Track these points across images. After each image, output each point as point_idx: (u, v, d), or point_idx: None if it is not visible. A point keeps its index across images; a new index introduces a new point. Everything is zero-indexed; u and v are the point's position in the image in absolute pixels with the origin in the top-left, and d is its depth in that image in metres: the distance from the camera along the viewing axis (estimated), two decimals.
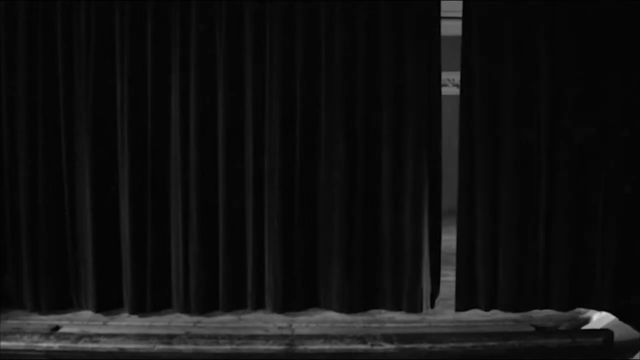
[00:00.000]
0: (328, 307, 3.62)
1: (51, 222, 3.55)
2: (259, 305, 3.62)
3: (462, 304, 3.57)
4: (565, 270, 3.49)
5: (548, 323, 3.46)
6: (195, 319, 3.51)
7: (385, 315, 3.62)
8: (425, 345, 3.05)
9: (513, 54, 3.49)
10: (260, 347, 3.05)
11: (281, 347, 3.04)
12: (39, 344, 3.03)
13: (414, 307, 3.56)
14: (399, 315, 3.60)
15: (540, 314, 3.58)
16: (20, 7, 3.48)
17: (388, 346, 3.03)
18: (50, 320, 3.45)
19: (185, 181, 3.54)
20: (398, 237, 3.58)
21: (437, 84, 3.61)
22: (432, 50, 3.57)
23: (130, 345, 3.04)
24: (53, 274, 3.56)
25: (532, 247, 3.53)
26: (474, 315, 3.61)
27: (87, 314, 3.57)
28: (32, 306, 3.53)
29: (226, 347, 3.05)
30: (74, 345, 3.04)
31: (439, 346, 3.05)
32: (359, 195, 3.59)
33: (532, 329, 3.37)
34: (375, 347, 3.03)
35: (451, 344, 3.06)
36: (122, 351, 3.02)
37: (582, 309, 3.67)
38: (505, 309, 3.54)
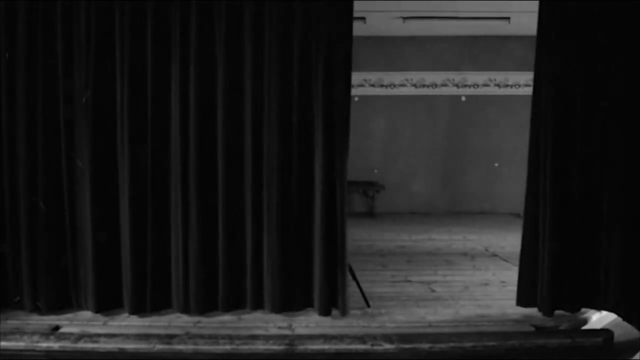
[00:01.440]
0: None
1: (51, 221, 3.55)
2: (257, 306, 3.62)
3: (523, 302, 3.59)
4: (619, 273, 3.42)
5: (548, 323, 3.46)
6: (195, 319, 3.51)
7: (385, 315, 3.62)
8: (425, 345, 3.05)
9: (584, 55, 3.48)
10: (260, 347, 3.05)
11: (281, 347, 3.04)
12: (39, 344, 3.03)
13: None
14: (399, 315, 3.60)
15: (540, 314, 3.59)
16: (20, 7, 3.48)
17: (388, 346, 3.03)
18: (50, 320, 3.44)
19: (184, 181, 3.54)
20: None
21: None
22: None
23: (130, 345, 3.04)
24: (53, 274, 3.56)
25: (592, 251, 3.49)
26: (474, 315, 3.61)
27: (87, 314, 3.57)
28: (32, 306, 3.53)
29: (226, 347, 3.05)
30: (74, 345, 3.04)
31: (439, 346, 3.05)
32: None
33: (532, 329, 3.37)
34: (375, 347, 3.03)
35: (451, 344, 3.06)
36: (122, 351, 3.02)
37: (581, 309, 3.67)
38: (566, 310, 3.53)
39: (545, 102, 3.62)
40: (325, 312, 3.56)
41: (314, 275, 3.58)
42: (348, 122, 3.62)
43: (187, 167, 3.54)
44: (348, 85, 3.69)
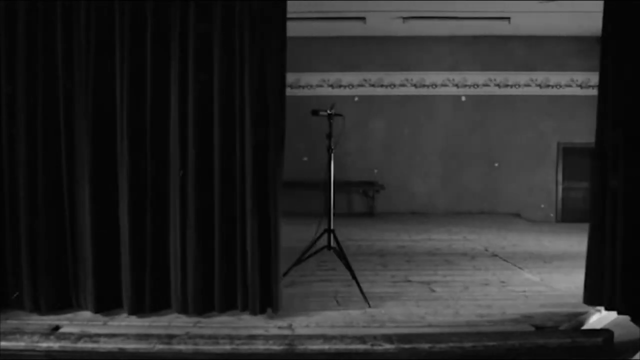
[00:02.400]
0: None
1: (51, 221, 3.54)
2: (247, 307, 3.62)
3: (590, 301, 3.54)
4: None
5: (548, 323, 3.46)
6: (195, 319, 3.51)
7: (385, 315, 3.62)
8: (425, 345, 3.05)
9: None
10: (260, 347, 3.05)
11: (281, 347, 3.03)
12: (39, 344, 3.03)
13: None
14: (399, 316, 3.60)
15: (540, 314, 3.59)
16: (20, 7, 3.48)
17: (388, 346, 3.03)
18: (50, 320, 3.44)
19: (183, 182, 3.54)
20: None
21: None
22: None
23: (130, 345, 3.04)
24: (52, 274, 3.56)
25: None
26: (474, 315, 3.61)
27: (87, 314, 3.57)
28: (32, 306, 3.53)
29: (226, 347, 3.04)
30: (74, 345, 3.04)
31: (439, 346, 3.05)
32: None
33: (532, 329, 3.36)
34: (375, 347, 3.03)
35: (451, 344, 3.06)
36: (122, 351, 3.02)
37: (581, 309, 3.68)
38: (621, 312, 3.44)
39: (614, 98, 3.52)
40: (260, 311, 3.56)
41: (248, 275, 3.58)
42: (283, 120, 3.61)
43: (185, 167, 3.54)
44: (282, 80, 3.64)
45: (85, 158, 3.52)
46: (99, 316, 3.52)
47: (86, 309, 3.59)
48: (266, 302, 3.58)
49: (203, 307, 3.57)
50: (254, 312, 3.55)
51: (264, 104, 3.55)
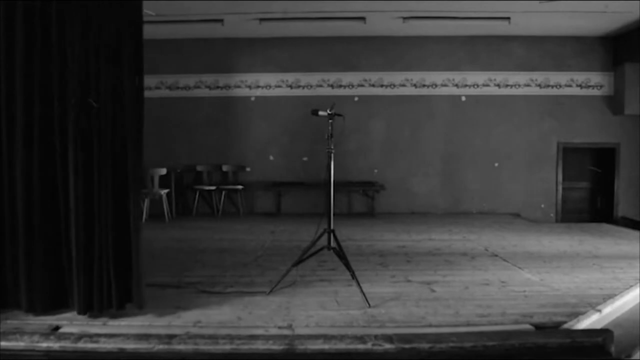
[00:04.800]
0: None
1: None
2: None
3: None
4: None
5: (548, 323, 3.45)
6: (195, 319, 3.51)
7: (385, 315, 3.62)
8: (425, 345, 3.04)
9: None
10: (260, 347, 3.05)
11: (281, 347, 3.03)
12: (39, 344, 3.03)
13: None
14: (399, 316, 3.60)
15: (540, 314, 3.59)
16: None
17: (388, 346, 3.03)
18: (51, 320, 3.44)
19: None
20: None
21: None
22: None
23: (130, 345, 3.04)
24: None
25: None
26: (474, 315, 3.61)
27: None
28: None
29: (226, 347, 3.04)
30: (74, 345, 3.04)
31: (439, 346, 3.04)
32: None
33: (532, 329, 3.36)
34: (375, 347, 3.03)
35: (451, 344, 3.06)
36: (122, 351, 3.02)
37: (581, 309, 3.68)
38: None
39: None
40: (118, 307, 3.57)
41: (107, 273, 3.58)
42: (141, 120, 3.62)
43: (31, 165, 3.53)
44: (140, 77, 3.64)
45: None
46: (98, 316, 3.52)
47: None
48: (126, 299, 3.60)
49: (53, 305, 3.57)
50: (118, 308, 3.55)
51: (121, 104, 3.57)
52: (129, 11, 3.60)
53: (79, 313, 3.52)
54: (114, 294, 3.54)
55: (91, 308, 3.55)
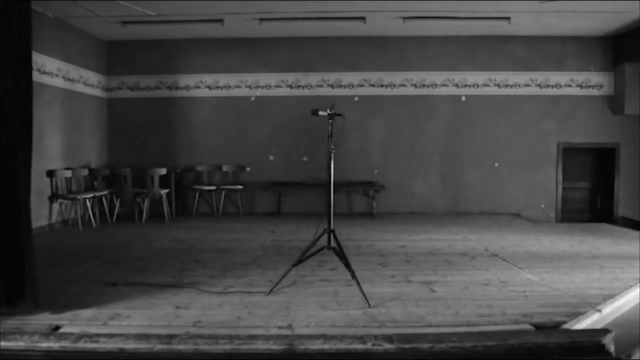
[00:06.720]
0: None
1: None
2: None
3: None
4: None
5: (548, 323, 3.45)
6: (195, 319, 3.51)
7: (385, 315, 3.62)
8: (425, 345, 3.04)
9: None
10: (260, 347, 3.04)
11: (281, 347, 3.03)
12: (39, 344, 3.03)
13: None
14: (399, 316, 3.60)
15: (540, 314, 3.59)
16: None
17: (388, 346, 3.03)
18: (50, 320, 3.44)
19: None
20: None
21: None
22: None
23: (130, 345, 3.04)
24: None
25: None
26: (474, 315, 3.61)
27: (87, 313, 3.57)
28: None
29: (226, 347, 3.04)
30: (74, 345, 3.03)
31: (439, 346, 3.04)
32: None
33: (532, 329, 3.36)
34: (375, 347, 3.02)
35: (451, 344, 3.05)
36: (122, 351, 3.02)
37: (581, 309, 3.68)
38: None
39: None
40: (7, 304, 3.57)
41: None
42: (30, 122, 3.61)
43: None
44: (28, 74, 3.63)
45: None
46: (99, 316, 3.52)
47: None
48: (17, 297, 3.59)
49: None
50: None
51: (12, 105, 3.54)
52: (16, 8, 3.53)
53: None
54: (3, 291, 3.54)
55: None
